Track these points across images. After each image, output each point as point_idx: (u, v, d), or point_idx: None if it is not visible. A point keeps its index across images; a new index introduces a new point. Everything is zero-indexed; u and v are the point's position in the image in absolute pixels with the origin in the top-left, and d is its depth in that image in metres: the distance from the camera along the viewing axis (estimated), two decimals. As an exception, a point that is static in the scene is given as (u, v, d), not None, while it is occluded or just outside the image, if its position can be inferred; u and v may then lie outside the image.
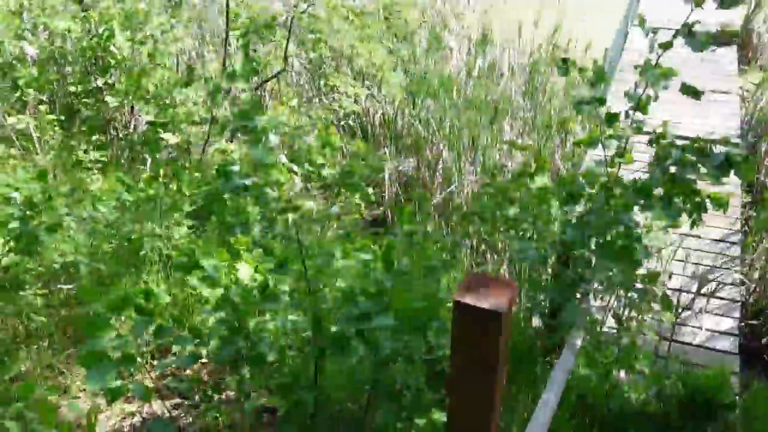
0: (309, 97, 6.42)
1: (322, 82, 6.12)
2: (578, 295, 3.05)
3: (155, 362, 3.19)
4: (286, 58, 5.73)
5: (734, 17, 9.22)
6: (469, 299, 1.46)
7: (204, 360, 3.14)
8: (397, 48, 6.75)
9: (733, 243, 4.90)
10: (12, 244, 3.37)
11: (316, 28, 5.67)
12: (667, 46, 2.69)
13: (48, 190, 3.50)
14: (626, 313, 3.49)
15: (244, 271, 2.67)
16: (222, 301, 2.52)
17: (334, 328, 2.43)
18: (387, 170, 5.66)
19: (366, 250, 2.73)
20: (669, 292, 4.28)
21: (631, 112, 2.78)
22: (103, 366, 2.05)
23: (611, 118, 2.78)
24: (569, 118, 6.41)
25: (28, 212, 3.38)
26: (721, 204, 2.69)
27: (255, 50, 6.32)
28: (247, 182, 2.56)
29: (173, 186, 3.98)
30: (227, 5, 5.33)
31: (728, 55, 8.65)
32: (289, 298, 2.58)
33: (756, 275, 4.82)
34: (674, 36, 2.67)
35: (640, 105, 2.74)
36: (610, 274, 2.89)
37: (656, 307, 3.96)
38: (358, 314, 2.34)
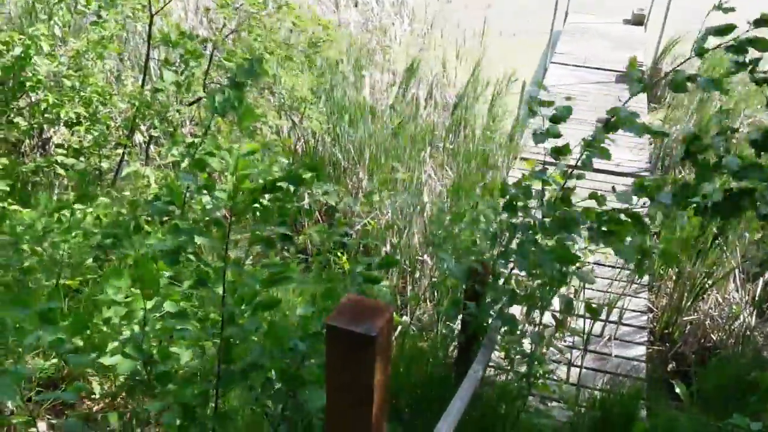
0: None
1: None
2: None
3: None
4: (206, 84, 5.62)
5: (644, 58, 9.72)
6: (340, 322, 1.39)
7: (96, 395, 2.95)
8: (320, 80, 6.73)
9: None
10: None
11: (238, 54, 5.58)
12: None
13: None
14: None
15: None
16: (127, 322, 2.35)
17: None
18: (306, 198, 5.60)
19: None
20: (579, 321, 4.36)
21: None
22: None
23: (560, 151, 2.88)
24: (489, 151, 6.55)
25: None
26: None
27: (180, 71, 6.11)
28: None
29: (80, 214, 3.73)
30: (150, 25, 5.22)
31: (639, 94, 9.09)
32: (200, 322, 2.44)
33: (663, 302, 4.99)
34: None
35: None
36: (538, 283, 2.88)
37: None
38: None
